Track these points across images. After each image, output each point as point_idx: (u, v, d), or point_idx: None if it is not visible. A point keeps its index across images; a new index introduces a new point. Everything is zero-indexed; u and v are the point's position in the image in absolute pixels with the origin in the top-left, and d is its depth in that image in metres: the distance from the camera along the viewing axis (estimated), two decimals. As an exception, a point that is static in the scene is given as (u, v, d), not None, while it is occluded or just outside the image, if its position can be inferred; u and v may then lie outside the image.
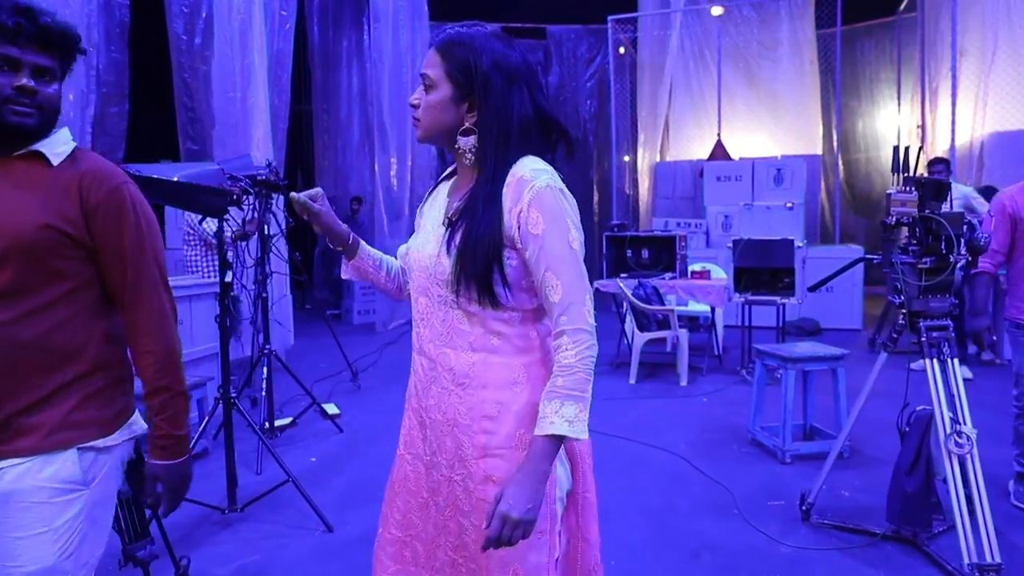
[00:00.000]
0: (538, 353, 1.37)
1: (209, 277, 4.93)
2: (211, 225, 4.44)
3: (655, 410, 4.96)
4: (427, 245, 1.39)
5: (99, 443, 1.43)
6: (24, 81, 1.32)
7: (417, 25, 9.09)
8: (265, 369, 4.22)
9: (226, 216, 3.02)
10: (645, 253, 6.33)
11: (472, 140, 1.34)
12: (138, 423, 1.57)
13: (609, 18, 10.05)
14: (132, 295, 1.45)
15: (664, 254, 6.27)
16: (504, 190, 1.30)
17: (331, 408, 4.77)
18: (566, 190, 1.33)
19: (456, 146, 1.37)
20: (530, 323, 1.37)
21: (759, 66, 10.54)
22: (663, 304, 5.82)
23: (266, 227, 4.20)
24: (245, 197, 3.24)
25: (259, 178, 3.72)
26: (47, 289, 1.36)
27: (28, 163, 1.37)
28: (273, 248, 4.39)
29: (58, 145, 1.40)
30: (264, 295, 4.25)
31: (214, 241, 4.22)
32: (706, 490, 3.54)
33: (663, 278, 6.06)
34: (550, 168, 1.33)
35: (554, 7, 11.52)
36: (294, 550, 2.95)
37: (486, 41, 1.34)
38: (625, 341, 6.23)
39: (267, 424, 4.29)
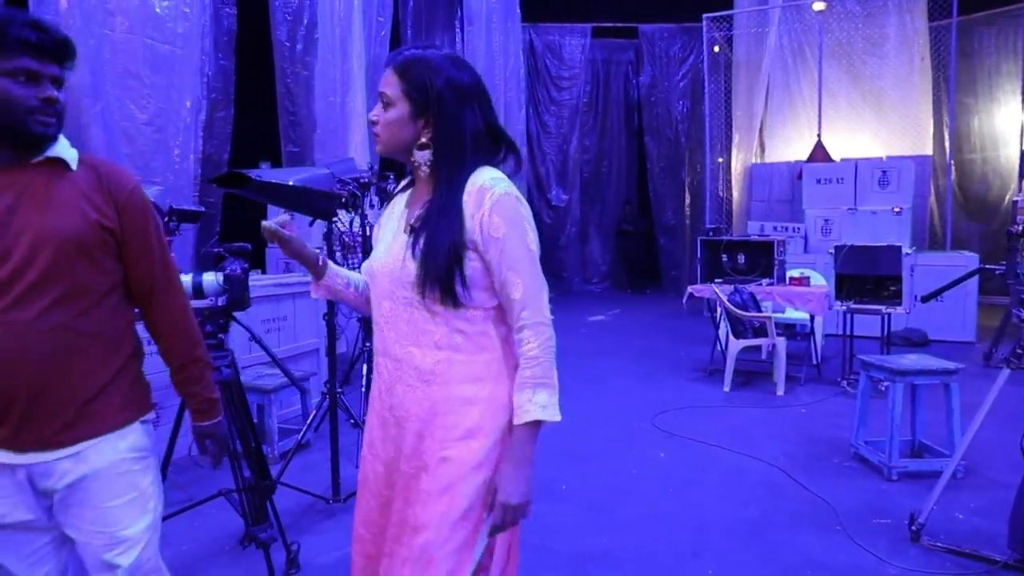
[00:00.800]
0: (499, 351, 1.47)
1: None
2: (341, 225, 4.61)
3: (751, 419, 4.83)
4: (391, 252, 1.48)
5: (149, 416, 1.61)
6: (50, 92, 1.41)
7: (510, 27, 9.18)
8: (365, 366, 4.36)
9: (334, 219, 3.14)
10: (741, 258, 6.18)
11: (428, 154, 1.44)
12: None
13: (704, 16, 9.85)
14: (164, 286, 1.59)
15: (761, 259, 6.11)
16: (465, 198, 1.39)
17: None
18: (522, 197, 1.45)
19: (412, 159, 1.46)
20: (491, 322, 1.46)
21: (863, 62, 10.07)
22: (759, 311, 5.67)
23: (367, 228, 4.33)
24: (352, 200, 3.36)
25: (362, 181, 3.86)
26: (98, 284, 1.48)
27: (50, 168, 1.45)
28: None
29: (68, 151, 1.49)
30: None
31: (349, 242, 4.39)
32: (806, 504, 3.43)
33: (760, 284, 5.90)
34: (506, 177, 1.44)
35: (647, 6, 11.39)
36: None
37: (440, 62, 1.43)
38: (719, 347, 6.10)
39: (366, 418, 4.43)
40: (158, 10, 5.03)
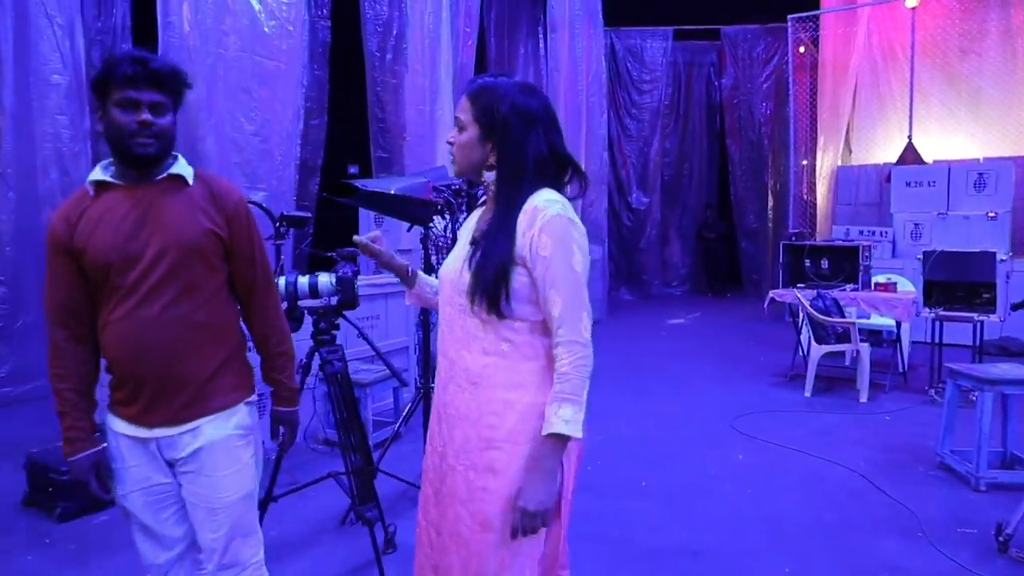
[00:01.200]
0: (543, 360, 1.55)
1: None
2: (436, 230, 4.85)
3: (832, 425, 4.82)
4: (455, 261, 1.62)
5: (252, 398, 1.85)
6: (145, 116, 1.61)
7: (593, 31, 9.29)
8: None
9: (431, 224, 3.37)
10: (825, 263, 6.12)
11: (494, 175, 1.57)
12: None
13: (789, 17, 9.70)
14: (263, 286, 1.84)
15: (845, 264, 6.03)
16: (520, 217, 1.51)
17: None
18: (576, 219, 1.54)
19: (482, 179, 1.60)
20: (537, 334, 1.55)
21: (959, 60, 9.71)
22: (843, 316, 5.62)
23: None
24: (447, 207, 3.58)
25: (455, 188, 4.08)
26: (211, 281, 1.73)
27: (171, 183, 1.70)
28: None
29: (186, 168, 1.74)
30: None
31: (444, 245, 4.64)
32: (887, 510, 3.44)
33: (844, 289, 5.83)
34: (564, 199, 1.55)
35: (729, 8, 11.27)
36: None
37: (508, 89, 1.55)
38: (800, 353, 6.06)
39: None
40: (266, 29, 5.42)
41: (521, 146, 1.53)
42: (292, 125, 5.84)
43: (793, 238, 6.32)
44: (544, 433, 1.49)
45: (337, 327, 2.62)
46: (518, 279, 1.51)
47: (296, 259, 7.03)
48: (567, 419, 1.47)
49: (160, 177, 1.69)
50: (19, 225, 5.36)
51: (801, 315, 5.81)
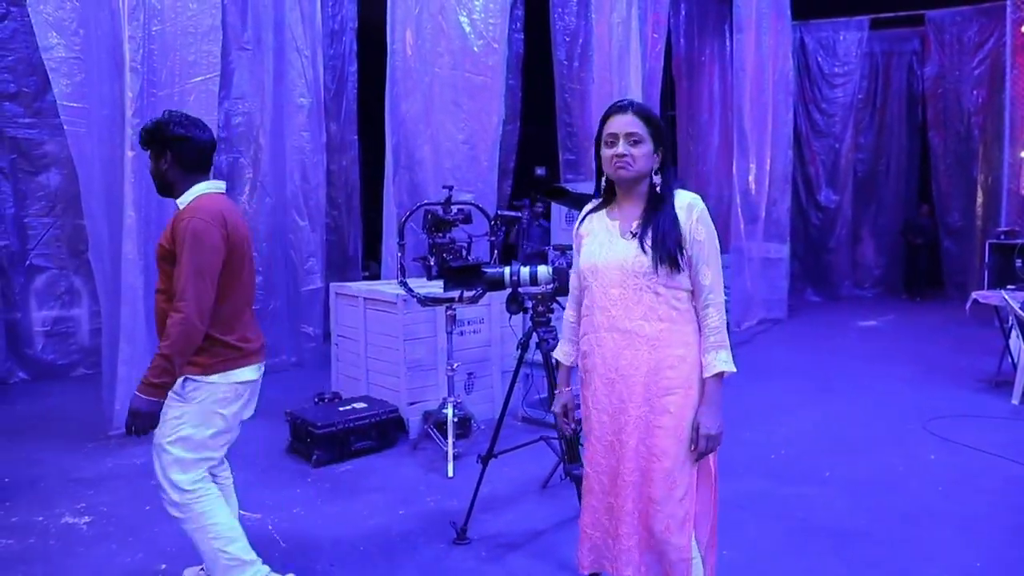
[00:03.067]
0: (695, 323, 2.01)
1: None
2: None
3: (1041, 433, 4.58)
4: (620, 251, 1.99)
5: (196, 376, 2.35)
6: (150, 168, 2.46)
7: (779, 26, 9.17)
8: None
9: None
10: (1038, 263, 5.74)
11: (660, 177, 2.00)
12: (240, 375, 2.42)
13: (1009, -5, 8.97)
14: (176, 296, 2.27)
15: (1063, 265, 5.62)
16: (677, 210, 1.97)
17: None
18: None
19: (652, 182, 2.00)
20: (690, 302, 2.01)
21: None
22: (1059, 320, 5.26)
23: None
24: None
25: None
26: (171, 282, 2.32)
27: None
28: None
29: (187, 198, 2.38)
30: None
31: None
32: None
33: (1061, 292, 5.45)
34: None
35: (935, -10, 10.57)
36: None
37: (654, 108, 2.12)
38: (1009, 359, 5.73)
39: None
40: (475, 48, 6.06)
41: (669, 154, 2.03)
42: (495, 133, 6.43)
43: (1002, 236, 5.95)
44: (709, 374, 1.97)
45: (552, 311, 3.05)
46: (684, 255, 1.96)
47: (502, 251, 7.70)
48: (725, 360, 1.97)
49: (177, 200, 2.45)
50: (273, 225, 6.40)
51: (1010, 319, 5.51)
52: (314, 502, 3.62)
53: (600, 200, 2.13)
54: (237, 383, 2.42)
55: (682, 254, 1.94)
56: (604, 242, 2.03)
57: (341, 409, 4.38)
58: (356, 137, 7.98)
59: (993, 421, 4.86)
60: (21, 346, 6.15)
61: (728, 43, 10.28)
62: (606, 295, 2.00)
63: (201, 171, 2.44)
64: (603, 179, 2.08)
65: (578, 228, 2.17)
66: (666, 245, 1.92)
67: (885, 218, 12.00)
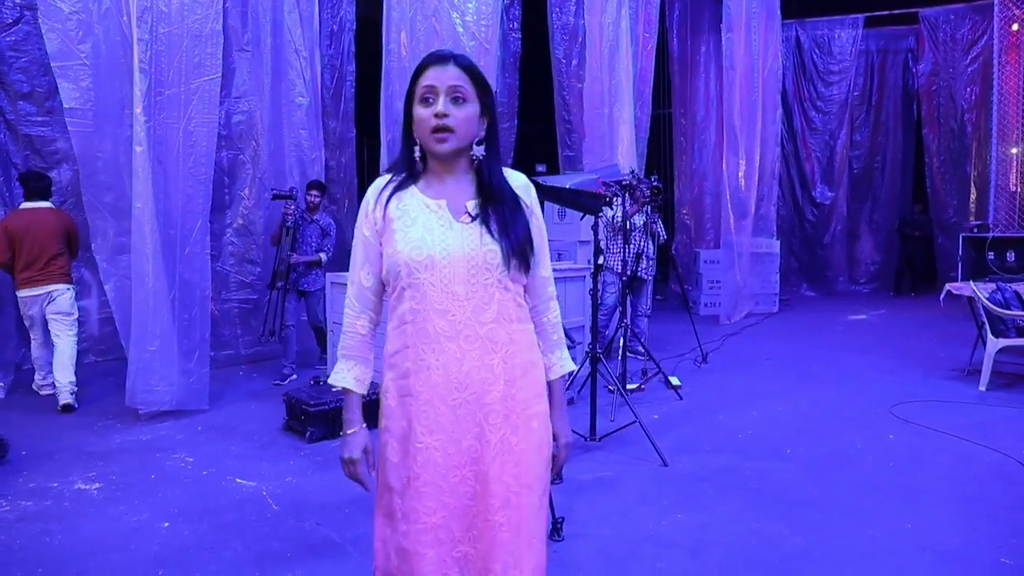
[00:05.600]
0: (531, 320, 1.70)
1: (617, 260, 5.99)
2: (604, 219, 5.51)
3: (1000, 418, 4.79)
4: (461, 239, 1.56)
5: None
6: None
7: (769, 24, 9.36)
8: (622, 339, 5.18)
9: (600, 214, 3.98)
10: (1011, 256, 5.95)
11: (482, 149, 1.61)
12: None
13: (997, -6, 9.13)
14: None
15: (1034, 257, 5.82)
16: (514, 190, 1.63)
17: (674, 380, 5.56)
18: None
19: (471, 154, 1.60)
20: (524, 297, 1.68)
21: None
22: (1026, 310, 5.46)
23: (628, 223, 5.13)
24: (615, 199, 4.18)
25: (624, 183, 4.66)
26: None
27: None
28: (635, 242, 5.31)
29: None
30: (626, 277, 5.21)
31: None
32: (1035, 491, 3.54)
33: (1030, 283, 5.65)
34: None
35: (929, -12, 10.73)
36: (637, 473, 3.81)
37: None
38: (982, 349, 5.94)
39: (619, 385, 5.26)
40: (468, 49, 6.28)
41: (496, 123, 1.64)
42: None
43: (975, 230, 6.16)
44: (555, 377, 1.72)
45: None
46: (533, 245, 1.65)
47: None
48: (568, 358, 1.76)
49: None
50: (271, 218, 6.68)
51: (980, 309, 5.71)
52: (306, 472, 3.90)
53: (404, 175, 1.64)
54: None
55: (531, 247, 1.61)
56: (434, 228, 1.57)
57: (334, 390, 4.64)
58: (354, 134, 8.26)
59: (957, 405, 5.07)
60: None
61: (723, 41, 10.47)
62: (448, 294, 1.55)
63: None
64: (416, 148, 1.61)
65: (373, 209, 1.64)
66: (517, 234, 1.57)
67: (880, 214, 12.17)
